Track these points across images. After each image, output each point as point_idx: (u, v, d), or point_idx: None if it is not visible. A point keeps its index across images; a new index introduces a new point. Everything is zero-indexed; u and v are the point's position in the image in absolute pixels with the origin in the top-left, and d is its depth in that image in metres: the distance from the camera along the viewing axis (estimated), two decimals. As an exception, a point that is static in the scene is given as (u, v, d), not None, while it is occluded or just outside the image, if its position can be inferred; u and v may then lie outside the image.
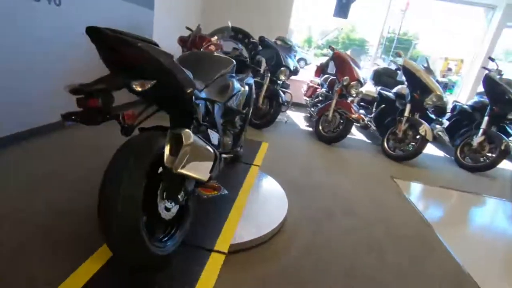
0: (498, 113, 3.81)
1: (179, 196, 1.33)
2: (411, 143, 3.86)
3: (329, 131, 4.13)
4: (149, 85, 1.03)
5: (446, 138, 4.39)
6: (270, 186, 2.40)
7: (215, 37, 4.29)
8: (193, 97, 1.43)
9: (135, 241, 1.11)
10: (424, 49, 18.19)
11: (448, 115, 4.67)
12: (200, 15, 5.62)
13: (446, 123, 4.64)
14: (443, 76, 8.05)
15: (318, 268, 1.67)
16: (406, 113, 3.83)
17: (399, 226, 2.30)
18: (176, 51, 4.21)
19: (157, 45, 1.18)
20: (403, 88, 4.08)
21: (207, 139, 1.60)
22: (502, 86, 3.77)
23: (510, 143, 3.64)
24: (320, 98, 4.75)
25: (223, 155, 1.81)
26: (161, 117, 1.42)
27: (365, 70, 6.39)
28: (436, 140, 5.03)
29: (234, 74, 2.00)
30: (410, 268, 1.82)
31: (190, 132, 1.13)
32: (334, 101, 4.04)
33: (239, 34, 5.24)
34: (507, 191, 3.63)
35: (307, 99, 5.14)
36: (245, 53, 5.71)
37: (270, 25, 5.63)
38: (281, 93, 4.15)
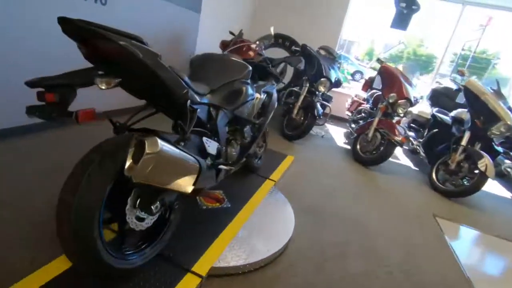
0: None
1: (152, 207, 1.22)
2: (466, 177, 3.26)
3: (367, 152, 3.72)
4: (113, 84, 0.94)
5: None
6: (279, 207, 2.18)
7: (256, 43, 4.22)
8: (188, 101, 1.33)
9: (86, 250, 1.03)
10: (506, 71, 15.92)
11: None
12: (250, 20, 5.62)
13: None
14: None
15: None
16: (464, 142, 3.26)
17: (429, 277, 1.89)
18: (217, 54, 4.24)
19: (143, 42, 1.08)
20: (462, 113, 3.49)
21: (200, 148, 1.47)
22: None
23: None
24: (363, 114, 4.34)
25: (222, 167, 1.67)
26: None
27: (423, 88, 5.74)
28: (503, 178, 4.25)
29: (249, 81, 1.85)
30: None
31: (157, 140, 1.01)
32: (376, 119, 3.64)
33: (280, 40, 5.12)
34: None
35: (349, 114, 4.75)
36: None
37: (319, 33, 5.37)
38: (319, 105, 3.87)
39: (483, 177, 3.03)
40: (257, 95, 1.96)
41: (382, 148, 3.56)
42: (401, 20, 5.10)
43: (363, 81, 5.05)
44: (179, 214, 1.48)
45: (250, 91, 1.85)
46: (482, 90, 3.17)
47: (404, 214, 2.68)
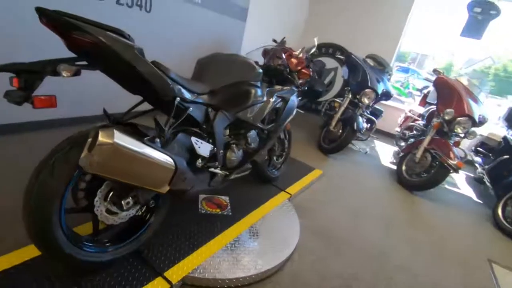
0: None
1: (123, 202, 1.20)
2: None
3: (414, 174, 3.24)
4: (73, 71, 0.95)
5: None
6: (284, 222, 1.99)
7: (299, 50, 4.09)
8: (178, 98, 1.29)
9: (42, 235, 1.05)
10: None
11: None
12: (299, 29, 5.52)
13: None
14: None
15: None
16: (544, 174, 2.59)
17: None
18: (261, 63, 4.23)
19: (124, 35, 1.08)
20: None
21: (188, 148, 1.42)
22: None
23: None
24: (414, 131, 3.81)
25: (216, 170, 1.59)
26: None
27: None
28: None
29: (257, 83, 1.75)
30: None
31: (114, 132, 0.98)
32: (428, 138, 3.15)
33: (323, 49, 4.89)
34: None
35: (399, 130, 4.24)
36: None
37: (374, 43, 4.99)
38: (360, 118, 3.53)
39: None
40: (267, 98, 1.84)
41: (432, 172, 3.05)
42: (475, 28, 4.41)
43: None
44: (161, 215, 1.44)
45: (257, 94, 1.74)
46: None
47: (447, 254, 2.20)
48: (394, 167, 3.70)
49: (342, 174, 3.22)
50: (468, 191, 3.69)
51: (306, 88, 4.84)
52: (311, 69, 4.15)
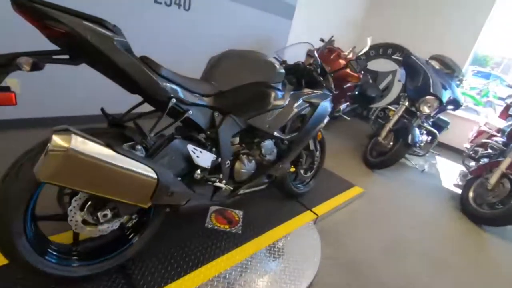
0: None
1: (99, 214, 1.06)
2: None
3: (484, 204, 2.61)
4: (30, 64, 0.83)
5: None
6: (303, 249, 1.68)
7: (348, 50, 3.68)
8: (173, 99, 1.13)
9: (5, 246, 0.96)
10: None
11: None
12: (353, 28, 5.03)
13: None
14: None
15: None
16: None
17: None
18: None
19: (106, 26, 0.94)
20: None
21: (185, 157, 1.23)
22: None
23: None
24: (490, 150, 3.10)
25: (218, 184, 1.38)
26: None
27: None
28: None
29: (278, 85, 1.49)
30: None
31: (71, 136, 0.83)
32: (507, 160, 2.50)
33: (381, 50, 4.33)
34: None
35: (469, 147, 3.51)
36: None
37: (444, 44, 4.29)
38: (417, 130, 2.99)
39: None
40: (290, 103, 1.57)
41: (511, 203, 2.41)
42: None
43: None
44: (154, 227, 1.29)
45: (276, 97, 1.49)
46: None
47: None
48: (459, 191, 3.05)
49: (388, 195, 2.74)
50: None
51: (356, 92, 4.40)
52: (362, 72, 3.71)
